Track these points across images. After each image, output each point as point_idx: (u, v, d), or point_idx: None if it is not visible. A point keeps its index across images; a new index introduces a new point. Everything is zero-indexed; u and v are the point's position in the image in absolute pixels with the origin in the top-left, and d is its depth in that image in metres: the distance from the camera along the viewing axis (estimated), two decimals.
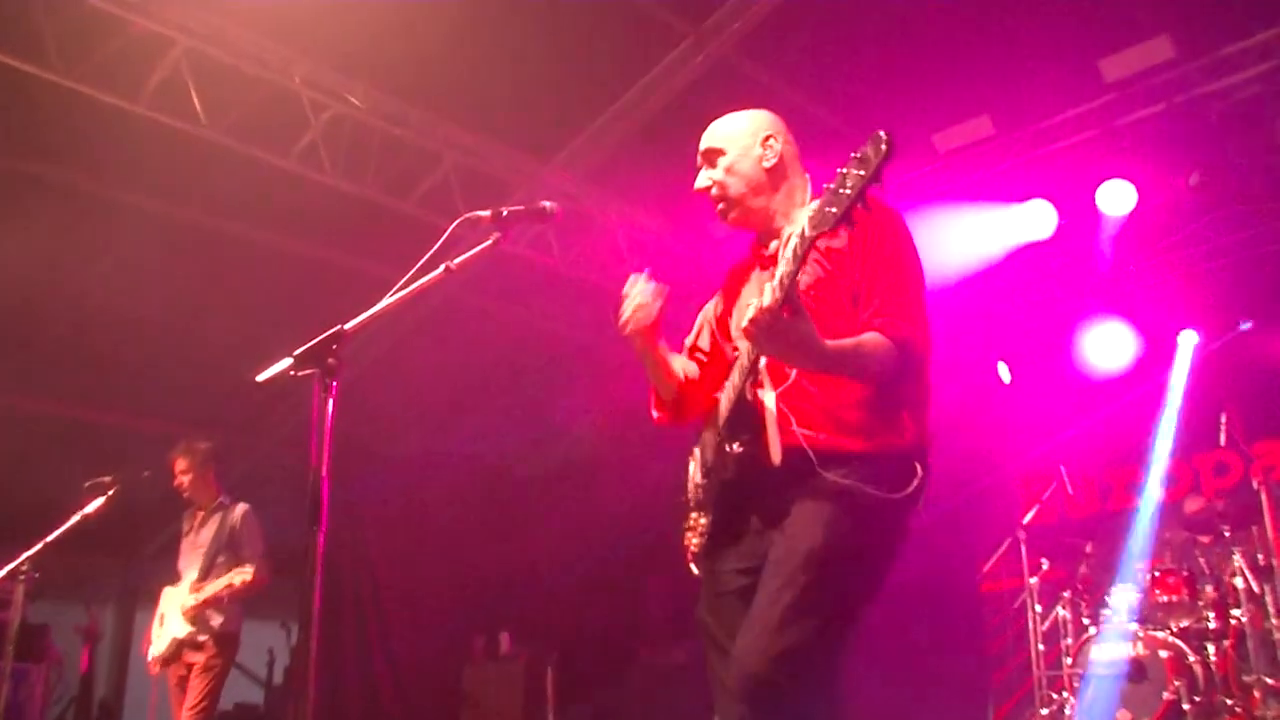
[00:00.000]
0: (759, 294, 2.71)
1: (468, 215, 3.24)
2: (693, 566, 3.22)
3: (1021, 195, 8.41)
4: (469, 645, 10.71)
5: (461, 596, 11.21)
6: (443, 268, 3.10)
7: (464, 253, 3.19)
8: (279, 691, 10.62)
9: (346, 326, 2.91)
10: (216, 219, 8.35)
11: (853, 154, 2.45)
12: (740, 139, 3.22)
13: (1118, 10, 7.22)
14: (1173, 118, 7.79)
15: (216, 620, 6.37)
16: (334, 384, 2.83)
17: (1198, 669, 6.99)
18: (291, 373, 2.86)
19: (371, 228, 8.35)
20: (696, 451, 3.24)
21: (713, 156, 3.24)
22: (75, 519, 5.94)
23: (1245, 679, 7.02)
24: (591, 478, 11.20)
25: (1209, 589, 7.40)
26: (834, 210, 2.44)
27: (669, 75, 7.82)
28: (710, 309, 3.49)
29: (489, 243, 3.24)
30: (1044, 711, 7.63)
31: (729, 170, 3.20)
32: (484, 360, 10.32)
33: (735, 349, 3.07)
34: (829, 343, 2.68)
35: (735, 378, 2.91)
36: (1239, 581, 7.24)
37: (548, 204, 3.32)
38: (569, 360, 10.50)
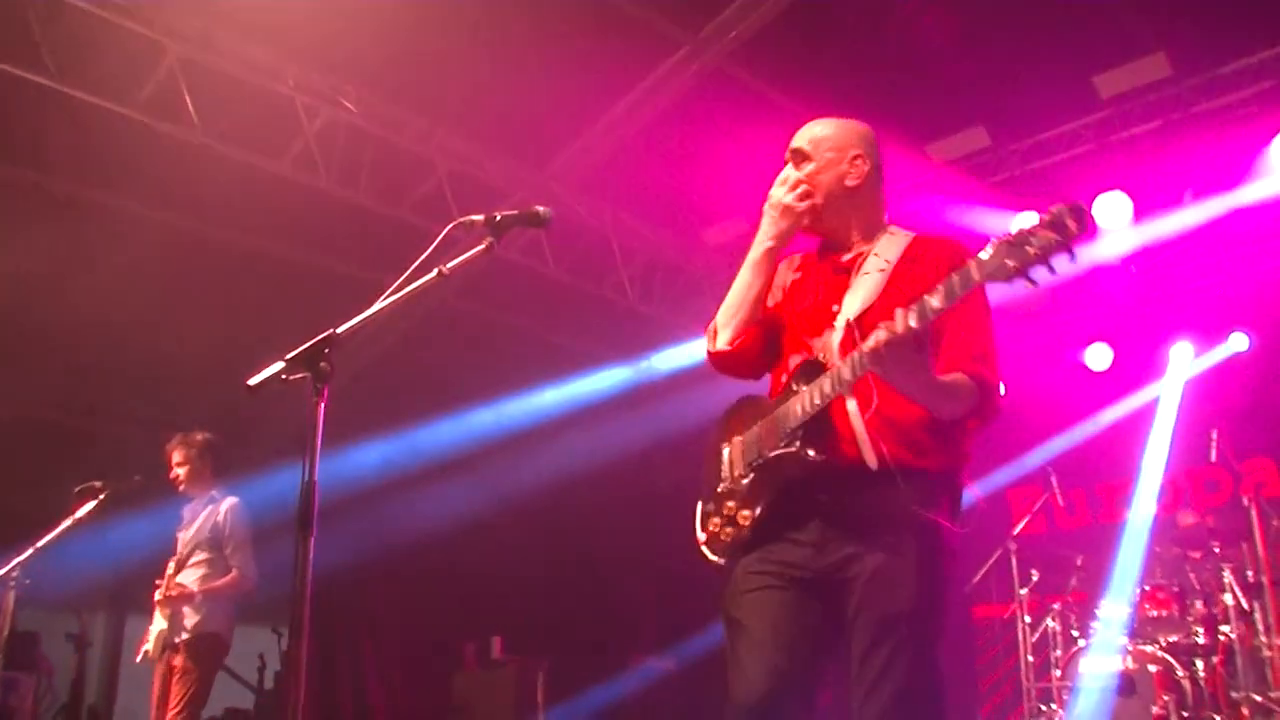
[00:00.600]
0: (836, 302, 3.02)
1: (461, 219, 3.25)
2: (710, 553, 3.17)
3: (1015, 207, 8.43)
4: (460, 651, 10.69)
5: (452, 602, 11.18)
6: (436, 271, 3.10)
7: (457, 257, 3.19)
8: (270, 697, 10.58)
9: (339, 330, 2.91)
10: (210, 225, 8.35)
11: (1045, 214, 2.44)
12: (832, 149, 3.25)
13: (1114, 26, 7.25)
14: (1168, 135, 7.83)
15: (191, 620, 6.18)
16: (325, 389, 2.83)
17: (1186, 684, 6.99)
18: (283, 377, 2.86)
19: (365, 234, 8.35)
20: (738, 440, 3.16)
21: (800, 159, 3.26)
22: (66, 524, 5.91)
23: (1233, 695, 7.02)
24: (583, 484, 11.19)
25: (1199, 605, 7.41)
26: (1013, 264, 2.45)
27: (664, 83, 7.83)
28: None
29: (482, 247, 3.23)
30: None
31: (812, 178, 3.23)
32: (478, 365, 10.31)
33: (810, 354, 3.06)
34: (939, 379, 2.81)
35: (826, 387, 2.88)
36: (1228, 598, 7.25)
37: (542, 209, 3.32)
38: (559, 365, 10.49)
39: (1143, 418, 9.19)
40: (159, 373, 9.46)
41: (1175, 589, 7.49)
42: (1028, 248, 2.43)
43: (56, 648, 9.74)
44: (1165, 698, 6.79)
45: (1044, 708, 7.66)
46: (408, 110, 7.94)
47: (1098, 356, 9.64)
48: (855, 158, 3.24)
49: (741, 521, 3.05)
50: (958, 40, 7.30)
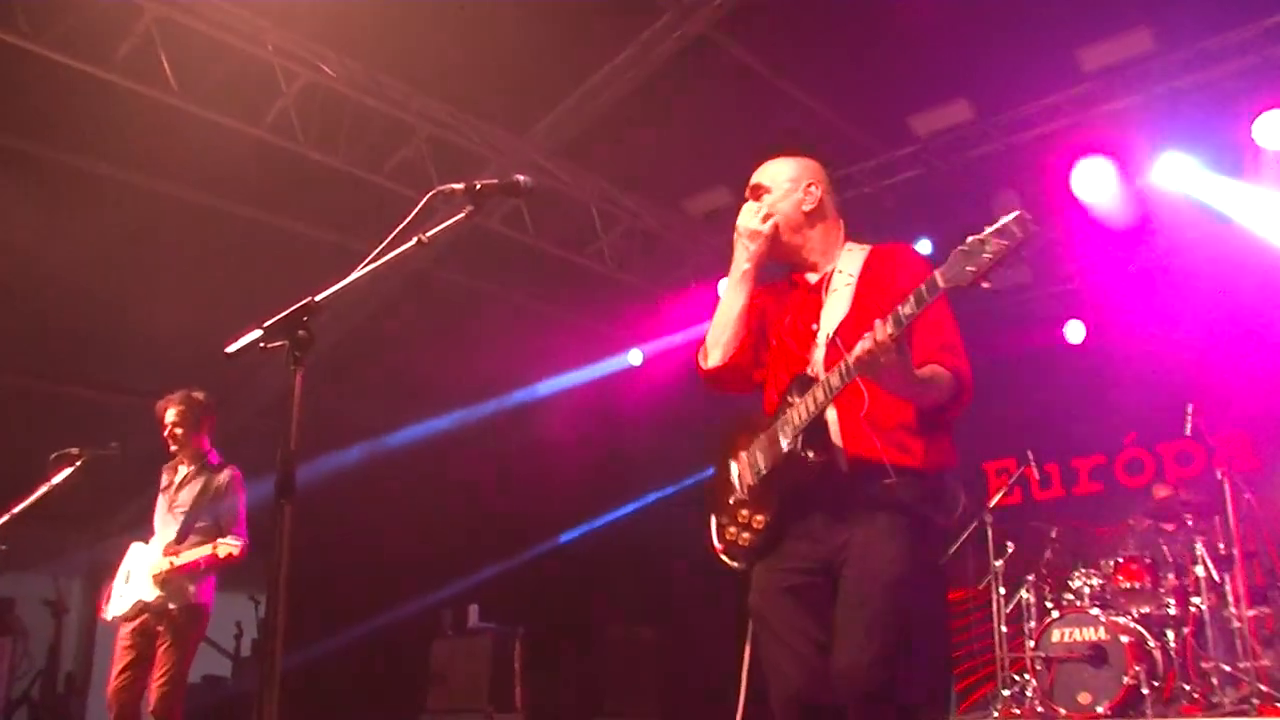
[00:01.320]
0: (814, 321, 3.36)
1: (440, 188, 3.22)
2: (727, 559, 3.47)
3: (998, 179, 8.45)
4: (437, 619, 10.71)
5: (430, 570, 11.20)
6: (415, 240, 3.09)
7: (436, 225, 3.17)
8: (247, 664, 10.59)
9: (317, 298, 2.89)
10: (186, 188, 8.28)
11: (991, 226, 2.78)
12: (786, 180, 3.60)
13: (1098, 1, 7.24)
14: (1151, 109, 7.84)
15: (187, 591, 6.01)
16: (303, 356, 2.81)
17: (1157, 654, 7.08)
18: (262, 344, 2.84)
19: (343, 199, 8.30)
20: (744, 455, 3.45)
21: (758, 192, 3.60)
22: (42, 490, 5.85)
23: (1203, 665, 7.11)
24: (560, 455, 11.21)
25: (1171, 576, 7.50)
26: (972, 269, 2.80)
27: (646, 51, 7.79)
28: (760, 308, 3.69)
29: (461, 216, 3.22)
30: (1006, 693, 7.70)
31: (772, 205, 3.56)
32: (456, 334, 10.29)
33: (805, 369, 3.34)
34: (917, 372, 3.11)
35: (820, 395, 3.18)
36: (1200, 570, 7.33)
37: (521, 178, 3.30)
38: (540, 333, 10.48)
39: (1119, 389, 9.23)
40: (134, 338, 9.38)
41: (1148, 561, 7.57)
42: (983, 254, 2.78)
43: (33, 614, 9.71)
44: (1136, 668, 6.87)
45: (1017, 678, 7.74)
46: (387, 75, 7.88)
47: (1074, 331, 9.68)
48: (808, 185, 3.59)
49: (757, 525, 3.37)
50: (942, 12, 7.29)
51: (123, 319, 9.14)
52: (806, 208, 3.55)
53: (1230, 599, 7.21)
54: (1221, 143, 7.92)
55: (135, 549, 6.30)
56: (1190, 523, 7.53)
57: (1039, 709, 7.18)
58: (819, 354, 3.32)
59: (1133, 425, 9.11)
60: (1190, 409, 7.46)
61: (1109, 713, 6.84)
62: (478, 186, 3.20)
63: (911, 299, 2.94)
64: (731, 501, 3.48)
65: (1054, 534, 8.13)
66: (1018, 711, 7.53)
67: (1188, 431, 7.40)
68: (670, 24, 7.58)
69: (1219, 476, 7.34)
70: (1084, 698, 6.97)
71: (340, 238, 8.44)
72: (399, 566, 11.09)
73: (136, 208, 8.24)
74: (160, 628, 6.02)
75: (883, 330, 2.94)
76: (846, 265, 3.47)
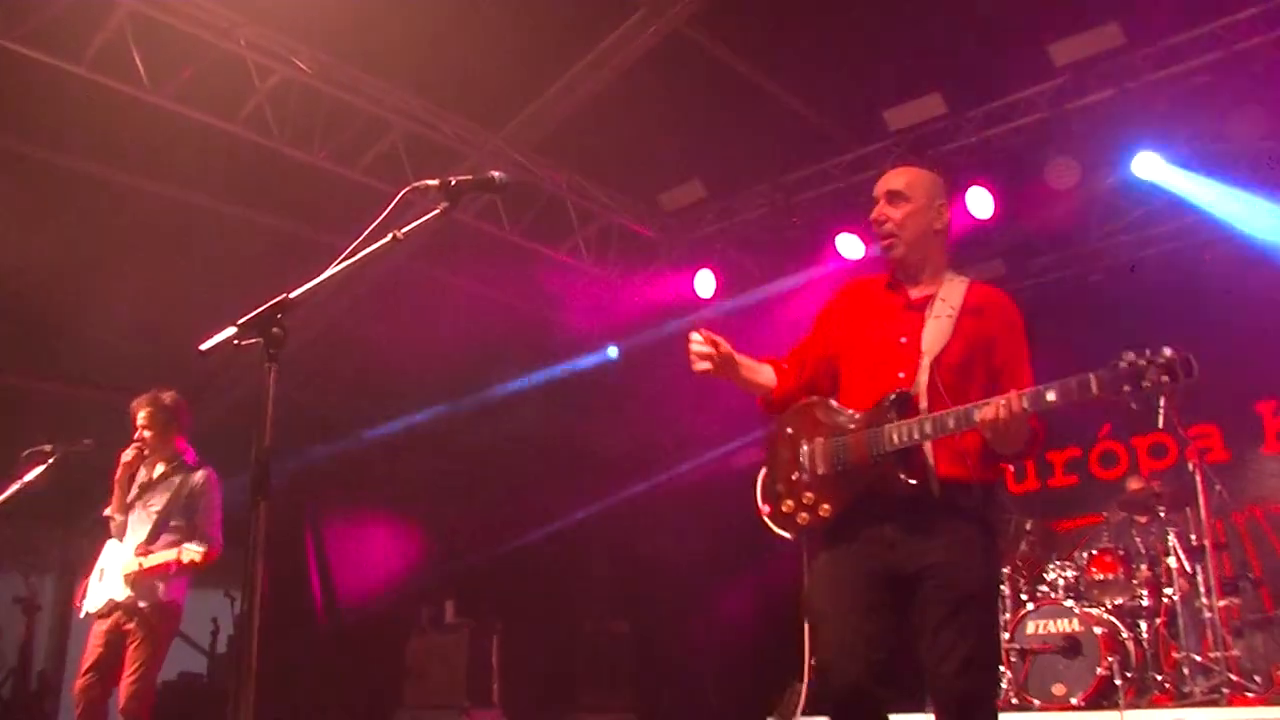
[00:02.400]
0: (905, 335, 3.50)
1: (416, 184, 3.22)
2: (778, 527, 3.65)
3: (970, 174, 8.48)
4: (414, 615, 10.69)
5: (406, 566, 11.18)
6: (390, 236, 3.08)
7: (412, 221, 3.16)
8: (223, 661, 10.54)
9: (292, 295, 2.88)
10: (161, 184, 8.23)
11: (1158, 357, 3.00)
12: (925, 195, 3.64)
13: None
14: (1121, 103, 7.89)
15: (158, 591, 5.99)
16: (278, 353, 2.81)
17: (1130, 645, 7.14)
18: (235, 341, 2.83)
19: (318, 195, 8.27)
20: (820, 441, 3.54)
21: (897, 199, 3.63)
22: (14, 488, 5.81)
23: (1175, 655, 7.18)
24: (537, 450, 11.20)
25: (1143, 568, 7.55)
26: (1128, 389, 3.04)
27: (620, 46, 7.79)
28: (827, 319, 3.83)
29: (437, 212, 3.21)
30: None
31: (908, 216, 3.62)
32: (432, 328, 10.27)
33: (905, 386, 3.46)
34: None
35: (928, 428, 3.32)
36: (1172, 561, 7.39)
37: (497, 174, 3.30)
38: (516, 331, 10.47)
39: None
40: (107, 333, 9.33)
41: (1121, 552, 7.62)
42: (1143, 382, 3.02)
43: (5, 612, 9.65)
44: (1109, 659, 6.92)
45: None
46: (363, 70, 7.85)
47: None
48: (941, 205, 3.67)
49: (822, 513, 3.49)
50: (915, 7, 7.32)
51: (96, 314, 9.08)
52: (937, 226, 3.65)
53: (1201, 590, 7.27)
54: (1192, 136, 7.98)
55: (111, 546, 6.28)
56: (1163, 514, 7.59)
57: (1014, 700, 7.22)
58: (923, 377, 3.44)
59: (1107, 418, 9.17)
60: (1163, 403, 7.51)
61: (1082, 703, 6.89)
62: (453, 182, 3.20)
63: (1058, 388, 3.15)
64: (794, 478, 3.58)
65: (1029, 526, 8.16)
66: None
67: (1160, 424, 7.45)
68: (645, 19, 7.59)
69: (1191, 469, 7.40)
70: (1058, 689, 7.01)
71: (315, 234, 8.41)
72: (378, 563, 11.08)
73: (110, 203, 8.19)
74: (131, 625, 6.00)
75: (1018, 403, 3.15)
76: (949, 294, 3.57)
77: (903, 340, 3.52)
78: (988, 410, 3.18)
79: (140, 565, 5.98)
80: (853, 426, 3.49)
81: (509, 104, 8.44)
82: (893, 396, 3.44)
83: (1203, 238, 8.77)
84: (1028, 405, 3.15)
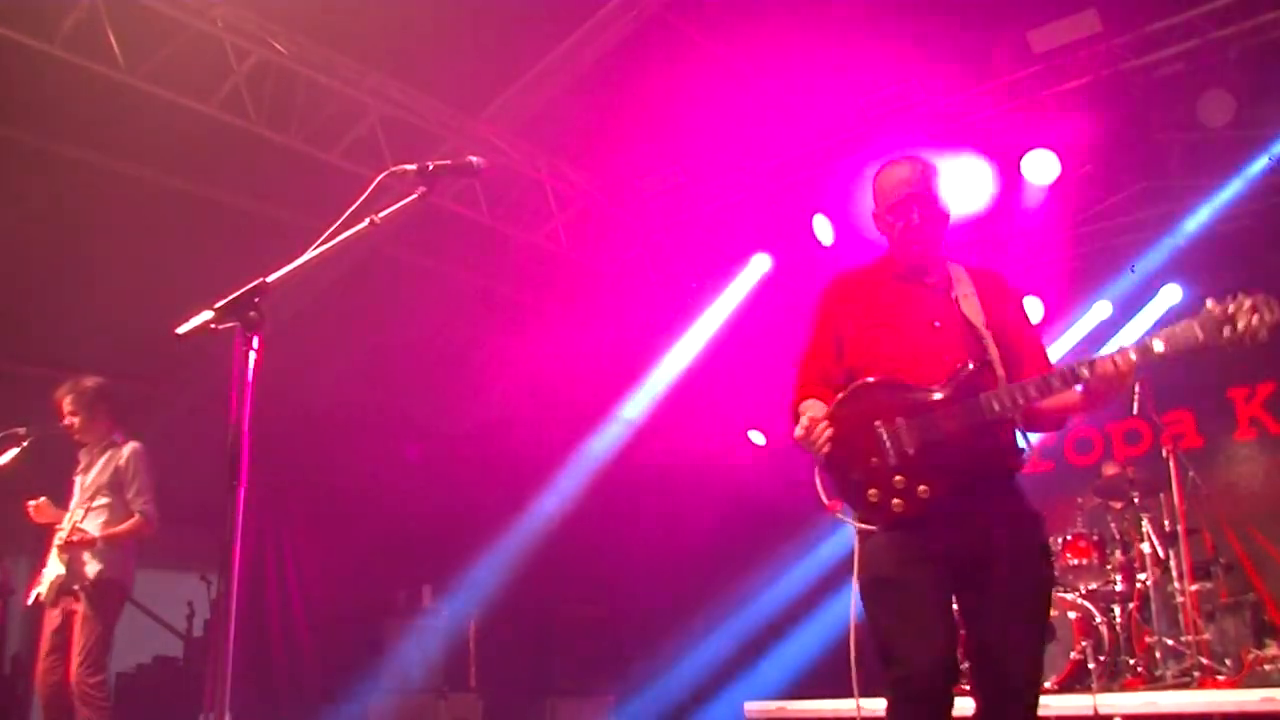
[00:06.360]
0: (939, 319, 3.53)
1: (393, 169, 3.22)
2: (865, 521, 3.43)
3: (946, 159, 8.49)
4: (391, 599, 10.69)
5: (383, 550, 11.16)
6: (367, 220, 3.08)
7: (389, 206, 3.16)
8: (198, 644, 10.51)
9: (269, 279, 2.87)
10: (136, 166, 8.15)
11: (1239, 316, 3.04)
12: (943, 191, 3.63)
13: None
14: (1098, 91, 7.92)
15: (93, 567, 6.05)
16: (255, 337, 2.80)
17: (1103, 630, 7.20)
18: (212, 325, 2.82)
19: (296, 178, 8.21)
20: (900, 423, 3.42)
21: (925, 201, 3.59)
22: None
23: (1148, 640, 7.25)
24: (513, 434, 11.20)
25: (1117, 553, 7.62)
26: (1200, 337, 3.08)
27: (600, 30, 7.77)
28: (831, 318, 3.75)
29: (414, 196, 3.21)
30: None
31: (937, 217, 3.62)
32: (410, 313, 10.24)
33: (967, 360, 3.44)
34: None
35: (1019, 395, 3.33)
36: (1146, 546, 7.46)
37: (474, 159, 3.30)
38: (492, 314, 10.45)
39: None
40: (81, 315, 9.25)
41: (1096, 538, 7.68)
42: (1226, 331, 3.05)
43: None
44: (1083, 643, 6.99)
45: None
46: (340, 53, 7.80)
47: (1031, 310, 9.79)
48: (948, 197, 3.68)
49: (921, 494, 3.35)
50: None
51: (70, 296, 9.01)
52: (951, 215, 3.67)
53: (1174, 575, 7.34)
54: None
55: (58, 534, 6.28)
56: (1137, 500, 7.66)
57: None
58: (993, 351, 3.47)
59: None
60: (1137, 389, 7.57)
61: (1056, 687, 6.95)
62: (430, 167, 3.20)
63: (1164, 336, 3.15)
64: (875, 463, 3.41)
65: None
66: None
67: (1135, 411, 7.51)
68: (625, 3, 7.57)
69: (1164, 455, 7.47)
70: None
71: (292, 217, 8.36)
72: (354, 547, 11.06)
73: (84, 184, 8.11)
74: (75, 606, 6.06)
75: (1127, 359, 3.17)
76: (958, 277, 3.64)
77: (936, 324, 3.53)
78: (1104, 364, 3.20)
79: (63, 540, 6.05)
80: (938, 399, 3.41)
81: (487, 87, 8.40)
82: (971, 366, 3.42)
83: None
84: (1134, 356, 3.18)
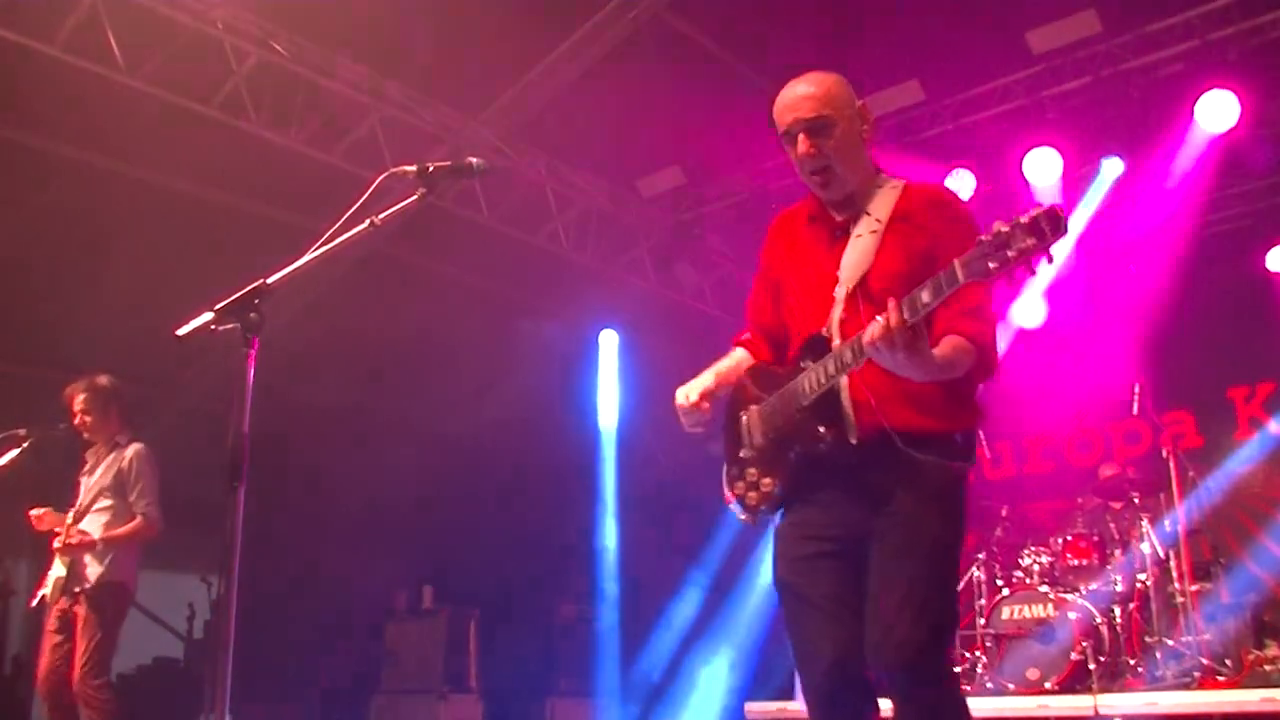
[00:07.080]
0: (836, 269, 3.03)
1: (393, 170, 3.22)
2: (739, 513, 3.25)
3: (948, 162, 8.50)
4: (391, 600, 10.69)
5: (383, 551, 11.16)
6: (368, 222, 3.08)
7: (390, 207, 3.16)
8: (198, 645, 10.52)
9: (269, 280, 2.88)
10: (136, 167, 8.16)
11: (1022, 217, 2.47)
12: (846, 108, 3.12)
13: None
14: (1098, 91, 7.92)
15: (94, 569, 6.02)
16: (255, 339, 2.80)
17: (1104, 630, 7.20)
18: (213, 327, 2.83)
19: (296, 179, 8.22)
20: (755, 409, 3.21)
21: (824, 126, 3.07)
22: None
23: (1147, 640, 7.26)
24: (513, 435, 11.20)
25: (1118, 554, 7.63)
26: (994, 265, 2.52)
27: (600, 31, 7.76)
28: (764, 262, 3.45)
29: (415, 198, 3.21)
30: (956, 670, 7.79)
31: (841, 143, 3.09)
32: (411, 316, 10.23)
33: (815, 329, 3.07)
34: (935, 352, 2.81)
35: (831, 367, 2.94)
36: (1146, 547, 7.46)
37: (475, 160, 3.30)
38: (496, 316, 10.44)
39: (1068, 370, 9.36)
40: (81, 317, 9.25)
41: (1096, 538, 7.69)
42: (1008, 251, 2.49)
43: None
44: (1083, 643, 6.98)
45: (967, 655, 7.84)
46: (341, 54, 7.80)
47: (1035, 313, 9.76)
48: (862, 107, 3.18)
49: (765, 488, 3.15)
50: None
51: (69, 297, 9.02)
52: (864, 134, 3.15)
53: (1174, 575, 7.35)
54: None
55: (58, 535, 6.28)
56: (1137, 501, 7.66)
57: (989, 685, 7.28)
58: (836, 312, 3.01)
59: (1083, 404, 9.23)
60: (1138, 389, 7.58)
61: (1056, 687, 6.95)
62: (430, 168, 3.20)
63: (929, 286, 2.66)
64: (741, 455, 3.24)
65: (1004, 513, 8.23)
66: (968, 687, 7.62)
67: (1135, 411, 7.52)
68: (624, 4, 7.56)
69: (1165, 455, 7.47)
70: (1032, 673, 7.07)
71: (292, 218, 8.36)
72: (354, 548, 11.05)
73: (84, 185, 8.12)
74: (78, 607, 6.03)
75: (896, 315, 2.66)
76: (877, 206, 3.09)
77: (824, 278, 3.09)
78: (870, 330, 2.71)
79: (65, 542, 6.04)
80: (780, 383, 3.11)
81: (488, 89, 8.40)
82: (805, 340, 3.06)
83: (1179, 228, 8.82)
84: (907, 315, 2.66)
